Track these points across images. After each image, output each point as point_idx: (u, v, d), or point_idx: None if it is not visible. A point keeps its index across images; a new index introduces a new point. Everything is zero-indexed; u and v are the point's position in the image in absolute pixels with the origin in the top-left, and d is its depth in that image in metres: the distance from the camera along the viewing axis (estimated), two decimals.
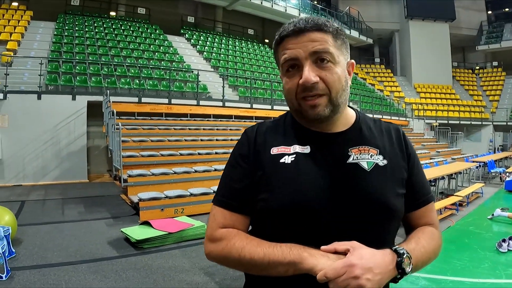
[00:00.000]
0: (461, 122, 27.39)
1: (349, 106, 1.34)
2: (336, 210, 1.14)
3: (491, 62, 35.86)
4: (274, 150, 1.24)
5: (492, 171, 14.43)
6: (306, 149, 1.22)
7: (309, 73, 1.14)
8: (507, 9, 36.13)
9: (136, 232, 6.02)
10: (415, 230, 1.31)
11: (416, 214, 1.33)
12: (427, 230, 1.31)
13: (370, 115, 1.47)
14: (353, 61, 1.29)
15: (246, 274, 1.32)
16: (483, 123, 28.17)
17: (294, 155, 1.21)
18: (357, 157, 1.21)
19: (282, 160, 1.21)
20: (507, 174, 13.76)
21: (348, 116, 1.31)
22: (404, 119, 24.91)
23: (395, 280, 1.12)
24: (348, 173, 1.19)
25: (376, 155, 1.24)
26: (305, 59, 1.16)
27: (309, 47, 1.16)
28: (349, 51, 1.28)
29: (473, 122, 27.93)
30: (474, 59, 37.53)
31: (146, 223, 6.55)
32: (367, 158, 1.22)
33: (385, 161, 1.24)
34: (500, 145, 27.90)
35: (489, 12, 36.59)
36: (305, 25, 1.17)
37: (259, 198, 1.20)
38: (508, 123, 27.75)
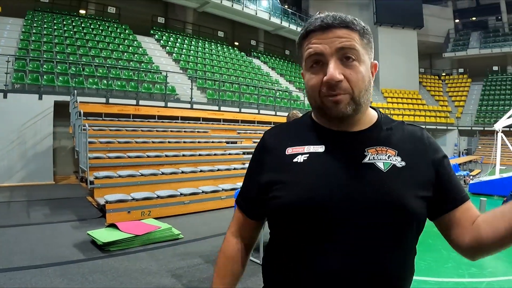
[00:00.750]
0: (427, 126, 28.01)
1: (371, 107, 1.31)
2: (349, 209, 1.11)
3: (457, 69, 37.12)
4: (289, 151, 1.24)
5: (456, 174, 14.82)
6: (321, 148, 1.21)
7: (335, 70, 1.12)
8: (474, 18, 37.42)
9: (103, 235, 6.03)
10: (484, 221, 1.17)
11: (454, 214, 1.22)
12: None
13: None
14: (376, 62, 1.26)
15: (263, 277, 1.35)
16: (448, 128, 29.05)
17: (308, 155, 1.20)
18: (373, 157, 1.18)
19: (295, 160, 1.21)
20: (471, 177, 14.23)
21: (369, 117, 1.28)
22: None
23: None
24: (363, 172, 1.15)
25: (394, 156, 1.19)
26: (330, 55, 1.13)
27: (335, 43, 1.13)
28: (373, 52, 1.25)
29: (438, 127, 28.75)
30: (440, 66, 38.67)
31: (113, 226, 6.56)
32: (384, 158, 1.18)
33: (403, 163, 1.18)
34: (464, 149, 28.83)
35: (457, 20, 37.80)
36: (332, 21, 1.15)
37: (271, 196, 1.21)
38: (473, 128, 28.77)
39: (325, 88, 1.14)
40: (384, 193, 1.12)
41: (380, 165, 1.16)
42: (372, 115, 1.30)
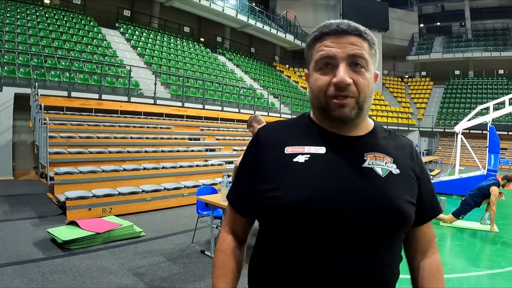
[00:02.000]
0: (389, 127, 28.65)
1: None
2: (352, 212, 1.13)
3: (420, 72, 38.27)
4: (288, 150, 1.24)
5: None
6: (321, 150, 1.23)
7: (344, 74, 1.16)
8: (438, 23, 38.44)
9: (63, 233, 6.00)
10: (431, 279, 1.35)
11: (422, 229, 1.37)
12: (441, 279, 1.37)
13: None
14: (378, 72, 1.31)
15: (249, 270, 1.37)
16: (410, 128, 29.94)
17: (309, 155, 1.22)
18: (372, 162, 1.22)
19: (295, 160, 1.21)
20: (432, 177, 14.63)
21: (367, 123, 1.33)
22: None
23: None
24: (363, 176, 1.19)
25: (390, 163, 1.25)
26: (342, 59, 1.18)
27: (348, 49, 1.18)
28: (377, 62, 1.29)
29: (400, 128, 29.54)
30: (404, 68, 39.74)
31: (73, 223, 6.53)
32: (382, 164, 1.23)
33: (398, 171, 1.24)
34: (425, 150, 29.75)
35: (421, 25, 38.91)
36: (347, 28, 1.20)
37: (269, 195, 1.20)
38: (434, 129, 29.79)
39: (332, 89, 1.18)
40: (383, 197, 1.17)
41: (379, 170, 1.22)
42: (369, 123, 1.36)
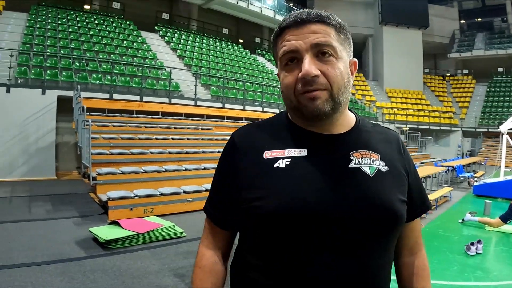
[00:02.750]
0: (431, 127, 28.01)
1: (348, 109, 1.28)
2: (338, 215, 1.07)
3: (462, 70, 36.93)
4: (267, 154, 1.16)
5: (460, 175, 14.78)
6: (303, 152, 1.15)
7: (310, 66, 1.07)
8: (479, 19, 37.17)
9: (105, 232, 5.96)
10: (417, 276, 1.31)
11: (410, 225, 1.30)
12: (427, 276, 1.33)
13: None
14: (355, 60, 1.23)
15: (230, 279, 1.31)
16: (452, 128, 28.92)
17: (290, 159, 1.14)
18: (359, 161, 1.15)
19: (276, 165, 1.13)
20: (475, 179, 14.14)
21: (348, 118, 1.25)
22: (375, 122, 25.22)
23: None
24: (351, 177, 1.12)
25: (378, 160, 1.18)
26: (305, 51, 1.09)
27: (310, 38, 1.09)
28: (352, 48, 1.21)
29: (442, 128, 28.64)
30: (445, 66, 38.53)
31: (115, 223, 6.51)
32: (369, 163, 1.16)
33: (386, 167, 1.18)
34: (468, 151, 28.71)
35: (462, 21, 37.59)
36: (307, 16, 1.11)
37: (253, 205, 1.12)
38: (477, 129, 28.61)
39: (300, 85, 1.09)
40: (373, 198, 1.11)
41: (366, 169, 1.15)
42: (351, 117, 1.27)
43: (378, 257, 1.14)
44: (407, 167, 1.26)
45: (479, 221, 7.99)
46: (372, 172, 1.15)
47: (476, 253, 6.09)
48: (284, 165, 1.13)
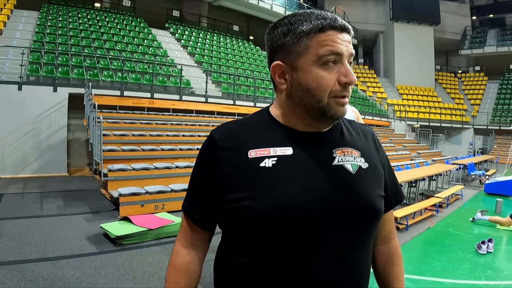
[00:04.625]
0: (442, 124, 27.74)
1: None
2: (325, 214, 1.10)
3: (474, 67, 36.41)
4: (252, 153, 1.16)
5: (472, 173, 14.64)
6: (288, 151, 1.16)
7: (353, 74, 1.12)
8: (491, 15, 36.72)
9: (116, 228, 5.97)
10: (390, 263, 1.39)
11: (385, 216, 1.34)
12: (399, 262, 1.41)
13: None
14: None
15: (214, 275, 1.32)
16: (464, 126, 28.63)
17: (276, 158, 1.14)
18: (341, 159, 1.18)
19: (262, 164, 1.13)
20: (487, 177, 14.00)
21: None
22: (386, 120, 25.16)
23: None
24: (335, 175, 1.15)
25: (358, 157, 1.22)
26: (346, 58, 1.13)
27: (349, 47, 1.13)
28: None
29: (454, 125, 28.34)
30: (456, 63, 38.10)
31: (126, 219, 6.50)
32: (351, 160, 1.20)
33: (366, 164, 1.22)
34: (480, 148, 28.41)
35: (474, 17, 37.11)
36: (346, 25, 1.14)
37: (240, 205, 1.12)
38: (489, 127, 28.25)
39: (339, 88, 1.12)
40: (357, 195, 1.15)
41: (349, 167, 1.18)
42: None
43: (362, 253, 1.19)
44: (383, 162, 1.33)
45: (489, 220, 7.91)
46: (354, 169, 1.19)
47: (487, 252, 6.02)
48: (270, 165, 1.13)
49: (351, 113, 3.75)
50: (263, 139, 1.19)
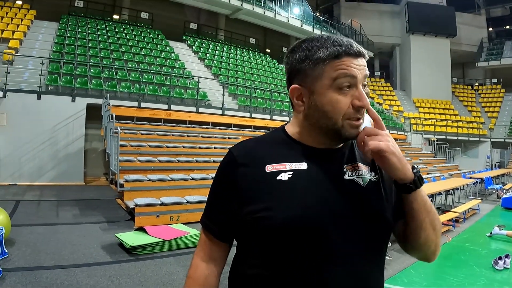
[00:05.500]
0: (459, 138, 27.42)
1: None
2: (338, 225, 1.13)
3: (491, 79, 35.99)
4: (269, 168, 1.20)
5: (489, 187, 14.45)
6: (303, 165, 1.21)
7: (366, 98, 1.17)
8: (507, 27, 36.32)
9: (131, 238, 5.97)
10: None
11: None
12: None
13: None
14: None
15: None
16: (481, 139, 28.26)
17: (291, 172, 1.19)
18: (351, 174, 1.23)
19: (279, 178, 1.18)
20: (504, 191, 13.77)
21: None
22: (402, 133, 24.95)
23: (406, 189, 1.17)
24: (346, 189, 1.19)
25: (368, 171, 1.26)
26: (360, 81, 1.17)
27: (363, 71, 1.17)
28: None
29: (471, 138, 27.98)
30: (473, 75, 37.76)
31: (141, 229, 6.51)
32: (361, 174, 1.24)
33: (377, 177, 1.26)
34: (497, 162, 27.98)
35: (490, 29, 36.73)
36: (362, 51, 1.18)
37: (259, 216, 1.15)
38: (506, 140, 27.79)
39: (352, 111, 1.16)
40: (368, 207, 1.19)
41: (359, 180, 1.22)
42: None
43: (374, 263, 1.22)
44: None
45: (507, 235, 7.77)
46: (365, 183, 1.22)
47: (504, 267, 5.87)
48: (286, 178, 1.18)
49: (368, 121, 3.72)
50: (280, 154, 1.23)
